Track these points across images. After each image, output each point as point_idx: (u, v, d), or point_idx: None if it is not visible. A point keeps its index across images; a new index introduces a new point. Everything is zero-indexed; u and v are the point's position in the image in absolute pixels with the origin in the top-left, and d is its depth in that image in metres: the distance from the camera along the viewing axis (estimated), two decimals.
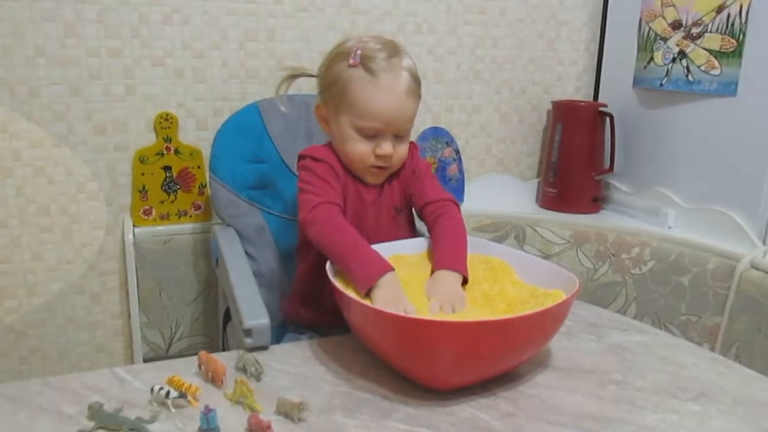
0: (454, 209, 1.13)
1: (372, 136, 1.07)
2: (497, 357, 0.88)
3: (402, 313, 0.88)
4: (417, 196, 1.15)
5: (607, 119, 1.78)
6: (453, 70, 1.79)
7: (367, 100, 1.05)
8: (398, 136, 1.09)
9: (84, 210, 1.51)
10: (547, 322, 0.91)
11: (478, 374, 0.90)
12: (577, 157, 1.79)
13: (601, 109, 1.78)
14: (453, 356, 0.86)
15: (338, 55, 1.09)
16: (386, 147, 1.07)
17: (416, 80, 1.09)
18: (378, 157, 1.08)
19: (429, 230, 1.13)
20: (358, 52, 1.06)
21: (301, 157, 1.13)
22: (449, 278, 1.01)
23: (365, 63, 1.05)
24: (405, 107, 1.07)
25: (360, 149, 1.08)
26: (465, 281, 1.02)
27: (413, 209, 1.19)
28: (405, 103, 1.06)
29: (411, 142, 1.21)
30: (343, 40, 1.12)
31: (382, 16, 1.67)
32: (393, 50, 1.08)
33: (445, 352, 0.85)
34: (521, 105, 1.90)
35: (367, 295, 0.94)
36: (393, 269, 0.96)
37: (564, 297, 0.94)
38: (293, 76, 1.21)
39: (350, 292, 0.94)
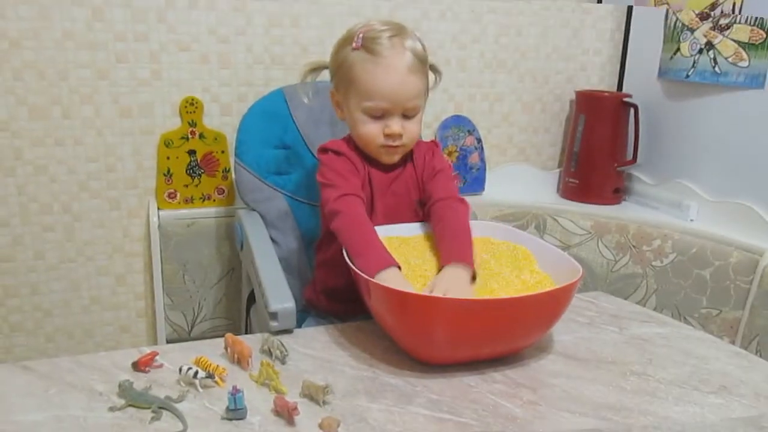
0: (461, 207, 1.12)
1: (380, 116, 1.09)
2: (485, 337, 0.92)
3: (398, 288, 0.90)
4: (429, 192, 1.16)
5: (631, 110, 1.77)
6: (476, 59, 1.79)
7: (370, 78, 1.07)
8: (407, 115, 1.10)
9: (86, 208, 1.53)
10: (529, 308, 0.92)
11: (469, 353, 0.94)
12: (599, 148, 1.79)
13: (625, 99, 1.77)
14: (445, 331, 0.90)
15: (344, 41, 1.12)
16: (394, 126, 1.09)
17: (420, 58, 1.09)
18: (387, 136, 1.10)
19: (432, 226, 1.12)
20: (361, 35, 1.08)
21: (322, 150, 1.15)
22: (456, 272, 1.00)
23: (367, 44, 1.07)
24: (407, 84, 1.07)
25: (370, 130, 1.10)
26: (473, 277, 1.02)
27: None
28: (407, 80, 1.07)
29: (434, 141, 1.23)
30: (353, 26, 1.13)
31: (405, 3, 1.67)
32: (397, 31, 1.09)
33: (437, 327, 0.89)
34: (544, 95, 1.89)
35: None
36: (397, 265, 0.97)
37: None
38: (314, 70, 1.21)
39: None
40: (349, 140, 1.16)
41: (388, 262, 0.96)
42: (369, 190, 1.14)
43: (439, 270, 1.02)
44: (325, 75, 1.21)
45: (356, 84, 1.09)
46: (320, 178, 1.11)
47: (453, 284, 0.96)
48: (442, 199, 1.12)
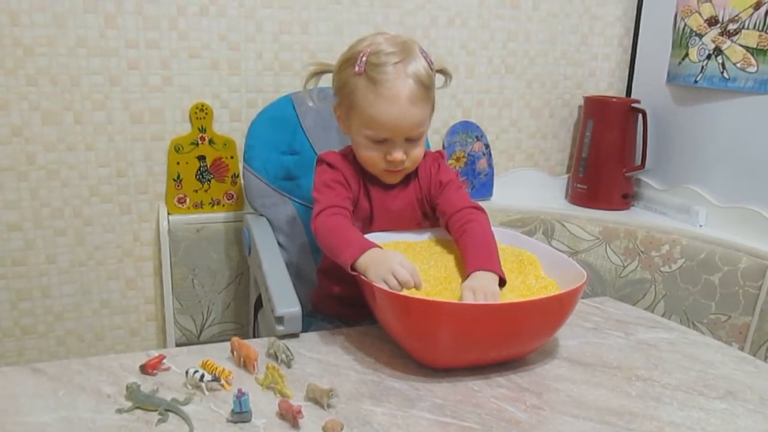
0: (481, 216, 1.10)
1: (382, 141, 1.07)
2: (490, 341, 0.92)
3: (402, 291, 0.91)
4: (443, 206, 1.14)
5: (640, 116, 1.77)
6: (485, 65, 1.79)
7: (370, 109, 1.05)
8: (411, 140, 1.08)
9: (97, 213, 1.55)
10: (533, 312, 0.92)
11: (473, 357, 0.94)
12: (607, 153, 1.78)
13: (633, 105, 1.77)
14: (449, 336, 0.91)
15: (347, 60, 1.09)
16: (396, 154, 1.07)
17: (423, 86, 1.05)
18: (389, 162, 1.08)
19: (456, 238, 1.10)
20: (364, 58, 1.05)
21: (318, 160, 1.15)
22: (486, 276, 0.98)
23: (369, 72, 1.04)
24: (409, 115, 1.05)
25: (371, 155, 1.09)
26: (502, 282, 1.00)
27: (440, 220, 1.18)
28: (408, 111, 1.04)
29: (439, 151, 1.21)
30: (359, 39, 1.11)
31: (414, 9, 1.68)
32: (402, 54, 1.05)
33: (442, 331, 0.90)
34: (552, 100, 1.90)
35: (354, 270, 0.97)
36: (378, 247, 0.98)
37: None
38: (318, 73, 1.19)
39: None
40: (350, 152, 1.16)
41: (365, 246, 0.97)
42: (368, 206, 1.14)
43: (455, 269, 1.02)
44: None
45: (358, 110, 1.07)
46: (313, 191, 1.12)
47: (486, 287, 0.95)
48: (459, 210, 1.10)
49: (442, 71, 1.14)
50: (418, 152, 1.10)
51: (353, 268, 0.96)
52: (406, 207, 1.16)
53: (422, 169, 1.16)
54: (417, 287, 0.94)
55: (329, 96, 1.31)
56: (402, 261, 0.94)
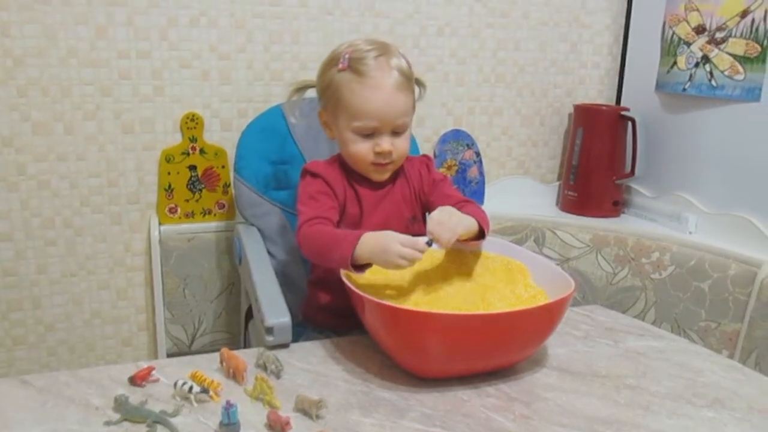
0: (478, 206, 1.14)
1: (369, 134, 1.10)
2: (479, 351, 0.92)
3: (397, 305, 0.92)
4: (440, 201, 1.15)
5: (629, 123, 1.78)
6: (475, 73, 1.80)
7: (357, 99, 1.08)
8: (396, 132, 1.11)
9: (88, 223, 1.54)
10: (522, 322, 0.92)
11: (463, 367, 0.94)
12: (597, 161, 1.79)
13: (623, 113, 1.78)
14: (439, 346, 0.91)
15: (330, 62, 1.13)
16: (384, 144, 1.09)
17: (406, 77, 1.10)
18: (377, 154, 1.10)
19: None
20: (347, 56, 1.09)
21: (302, 173, 1.16)
22: (449, 209, 1.02)
23: (353, 65, 1.09)
24: (395, 101, 1.08)
25: (360, 149, 1.11)
26: (482, 234, 1.05)
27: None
28: (394, 97, 1.08)
29: (425, 156, 1.25)
30: (337, 46, 1.15)
31: (404, 19, 1.69)
32: (382, 50, 1.10)
33: (431, 341, 0.90)
34: (543, 108, 1.90)
35: (356, 267, 0.97)
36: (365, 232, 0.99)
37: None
38: (299, 90, 1.23)
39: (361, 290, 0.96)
40: (335, 160, 1.17)
41: (356, 236, 0.97)
42: (358, 209, 1.15)
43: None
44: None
45: (344, 104, 1.10)
46: (298, 203, 1.13)
47: (447, 216, 0.99)
48: (458, 202, 1.13)
49: (417, 81, 1.17)
50: (403, 144, 1.13)
51: (354, 264, 0.97)
52: (394, 207, 1.17)
53: (411, 169, 1.20)
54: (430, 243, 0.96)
55: (318, 106, 1.32)
56: (401, 240, 0.95)
